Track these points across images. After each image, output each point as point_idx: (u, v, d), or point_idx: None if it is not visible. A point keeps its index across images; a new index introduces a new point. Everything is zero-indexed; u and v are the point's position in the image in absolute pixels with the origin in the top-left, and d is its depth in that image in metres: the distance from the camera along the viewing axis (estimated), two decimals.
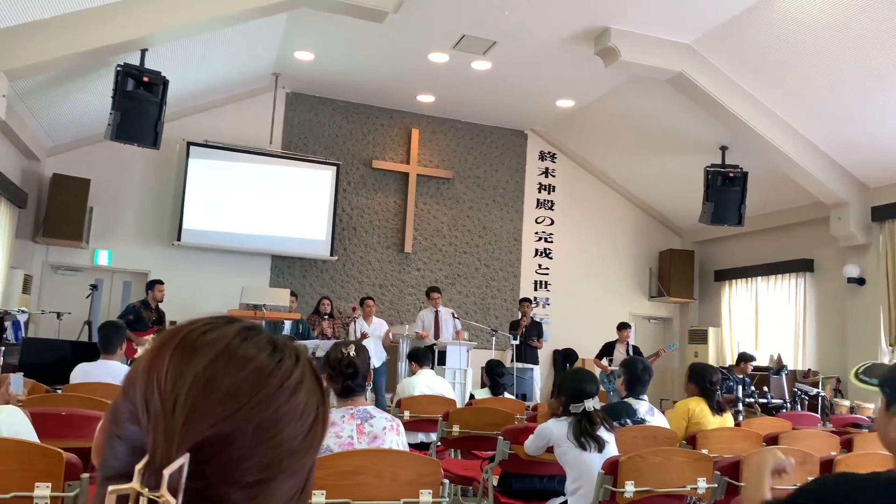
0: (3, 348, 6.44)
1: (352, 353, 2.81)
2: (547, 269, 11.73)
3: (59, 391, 4.36)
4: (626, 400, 4.15)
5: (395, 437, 2.77)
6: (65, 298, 9.02)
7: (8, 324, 6.78)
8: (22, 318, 7.17)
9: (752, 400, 7.60)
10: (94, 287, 8.62)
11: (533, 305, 9.63)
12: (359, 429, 2.70)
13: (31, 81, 6.96)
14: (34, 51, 6.13)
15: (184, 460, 0.56)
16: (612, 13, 7.33)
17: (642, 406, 4.08)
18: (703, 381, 4.40)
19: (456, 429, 4.69)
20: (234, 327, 0.66)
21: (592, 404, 3.37)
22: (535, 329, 9.32)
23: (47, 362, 6.28)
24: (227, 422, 0.59)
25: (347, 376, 2.78)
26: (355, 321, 8.47)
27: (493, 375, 5.86)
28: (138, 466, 0.56)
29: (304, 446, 0.64)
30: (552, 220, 11.84)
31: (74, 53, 6.28)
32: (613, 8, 7.21)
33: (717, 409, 4.36)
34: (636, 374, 4.12)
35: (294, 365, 0.66)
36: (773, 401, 7.82)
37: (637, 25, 7.52)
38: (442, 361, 8.02)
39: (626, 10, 7.21)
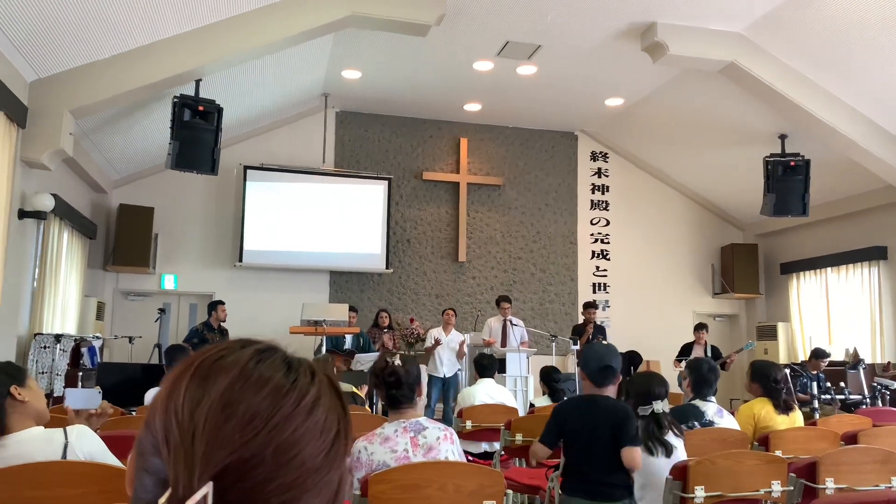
0: (80, 373, 6.73)
1: (396, 361, 2.85)
2: (605, 270, 11.56)
3: (134, 413, 4.53)
4: (693, 402, 4.04)
5: (449, 445, 2.77)
6: (135, 323, 9.38)
7: (84, 350, 7.09)
8: (97, 344, 7.48)
9: (828, 397, 7.30)
10: (161, 311, 8.94)
11: (598, 310, 9.44)
12: (413, 441, 2.72)
13: (95, 118, 7.28)
14: (96, 89, 6.42)
15: (207, 489, 0.57)
16: (657, 7, 7.21)
17: (710, 408, 3.97)
18: (768, 379, 4.24)
19: (519, 437, 4.66)
20: (248, 350, 0.67)
21: (661, 406, 3.30)
22: (600, 332, 9.18)
23: (121, 385, 6.54)
24: (246, 447, 0.59)
25: (390, 385, 2.81)
26: (430, 330, 8.58)
27: (550, 382, 5.80)
28: (161, 500, 0.57)
29: (328, 462, 0.64)
30: (608, 220, 11.67)
31: (133, 89, 6.53)
32: (658, 2, 7.09)
33: (784, 408, 4.19)
34: (701, 375, 4.01)
35: (310, 383, 0.66)
36: (851, 397, 7.49)
37: (684, 18, 7.37)
38: (502, 369, 7.99)
39: (672, 3, 7.08)
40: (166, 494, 0.57)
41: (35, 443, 2.33)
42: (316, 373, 0.68)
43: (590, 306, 9.34)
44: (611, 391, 3.31)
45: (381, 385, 2.85)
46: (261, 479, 0.60)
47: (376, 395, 7.84)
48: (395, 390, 2.82)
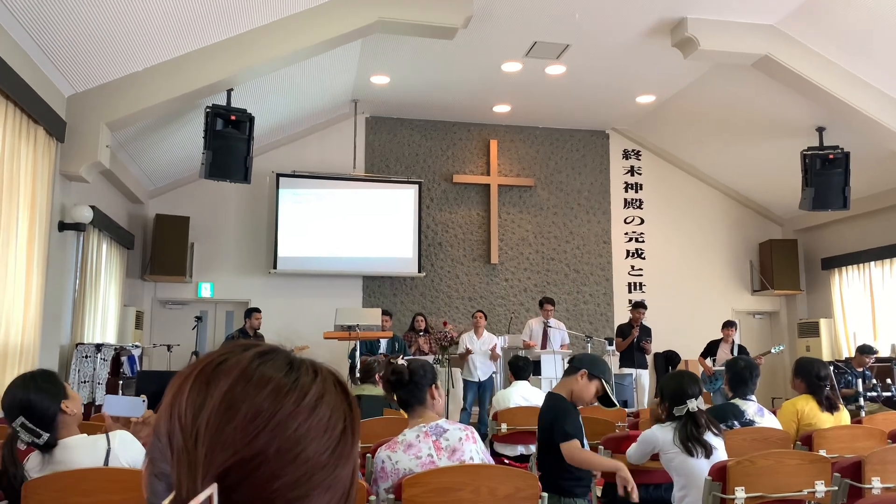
0: (121, 382, 6.86)
1: (400, 361, 2.89)
2: (640, 269, 11.41)
3: None
4: (732, 401, 3.96)
5: (472, 445, 2.76)
6: (173, 331, 9.54)
7: (124, 359, 7.23)
8: (136, 353, 7.62)
9: (874, 394, 7.09)
10: (198, 319, 9.08)
11: (645, 311, 9.22)
12: (436, 445, 2.70)
13: (130, 130, 7.44)
14: (131, 102, 6.56)
15: (211, 490, 0.57)
16: (687, 2, 7.10)
17: (750, 407, 3.88)
18: (811, 375, 4.13)
19: None
20: (250, 353, 0.67)
21: (696, 405, 3.25)
22: (645, 333, 9.03)
23: (160, 393, 6.62)
24: (249, 447, 0.60)
25: (394, 385, 2.84)
26: (462, 335, 8.53)
27: None
28: (165, 503, 0.57)
29: (335, 459, 0.64)
30: (642, 219, 11.53)
31: (167, 100, 6.66)
32: None
33: (828, 406, 4.07)
34: (738, 373, 3.93)
35: (312, 381, 0.66)
36: None
37: (714, 12, 7.25)
38: (537, 371, 7.93)
39: None
40: (169, 497, 0.58)
41: (81, 449, 2.38)
42: (319, 371, 0.68)
43: (639, 306, 9.11)
44: (564, 386, 3.43)
45: (387, 387, 2.90)
46: (265, 478, 0.60)
47: None
48: (399, 390, 2.84)
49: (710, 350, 8.82)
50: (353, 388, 5.26)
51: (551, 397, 3.49)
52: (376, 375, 5.35)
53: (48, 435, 2.33)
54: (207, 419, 0.61)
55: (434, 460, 2.67)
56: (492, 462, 2.88)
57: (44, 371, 2.50)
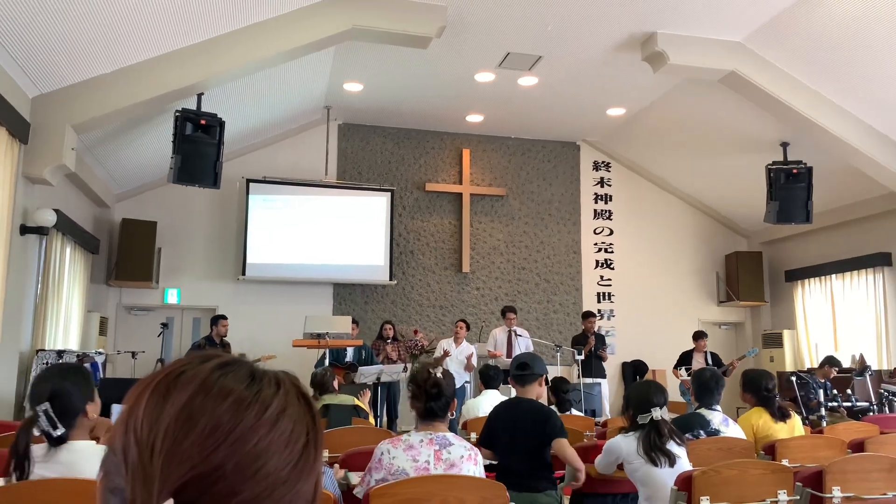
0: None
1: (439, 373, 2.80)
2: (609, 280, 11.53)
3: None
4: (698, 411, 4.01)
5: (472, 466, 2.73)
6: (138, 338, 9.36)
7: (87, 366, 7.07)
8: (100, 360, 7.46)
9: (835, 404, 7.24)
10: (164, 325, 8.93)
11: (598, 319, 9.41)
12: (436, 455, 2.68)
13: (98, 133, 7.31)
14: (98, 104, 6.45)
15: None
16: (657, 18, 7.22)
17: (716, 417, 3.94)
18: (759, 389, 4.23)
19: None
20: (210, 364, 0.65)
21: (659, 414, 3.28)
22: (601, 341, 9.15)
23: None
24: (206, 461, 0.58)
25: (431, 397, 2.77)
26: (441, 341, 8.51)
27: (559, 392, 5.76)
28: None
29: (297, 474, 0.63)
30: (611, 230, 11.66)
31: (135, 103, 6.57)
32: (658, 12, 7.10)
33: (780, 415, 4.16)
34: (704, 383, 3.99)
35: (274, 393, 0.64)
36: (858, 404, 7.43)
37: (684, 28, 7.38)
38: (508, 380, 7.93)
39: (671, 13, 7.09)
40: None
41: (89, 458, 2.33)
42: (282, 383, 0.66)
43: (589, 315, 9.32)
44: (533, 391, 3.77)
45: (420, 395, 2.78)
46: (224, 494, 0.58)
47: (380, 406, 7.80)
48: (434, 402, 2.77)
49: (684, 360, 8.94)
50: (329, 397, 5.21)
51: (531, 402, 3.75)
52: (334, 384, 5.31)
53: (63, 431, 2.29)
54: (164, 432, 0.59)
55: (429, 468, 2.65)
56: None
57: (80, 367, 2.50)
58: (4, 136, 5.78)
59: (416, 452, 2.68)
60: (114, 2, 5.58)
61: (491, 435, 3.73)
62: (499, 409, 3.84)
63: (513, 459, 3.58)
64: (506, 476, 3.45)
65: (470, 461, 2.73)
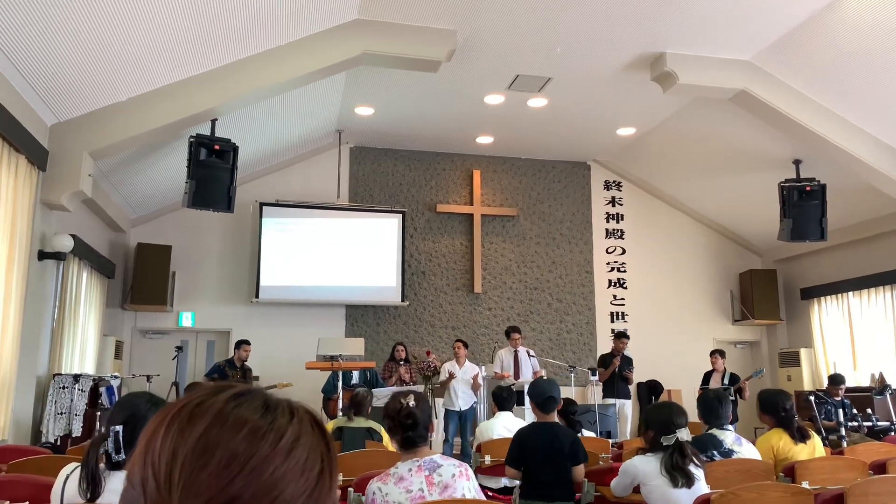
0: (99, 413, 6.74)
1: (410, 403, 2.79)
2: (622, 299, 11.48)
3: None
4: (709, 432, 3.97)
5: (465, 482, 2.72)
6: (153, 361, 9.41)
7: (103, 389, 7.11)
8: (115, 384, 7.50)
9: (855, 424, 7.13)
10: (179, 349, 8.97)
11: (628, 341, 9.25)
12: (428, 480, 2.67)
13: (113, 159, 7.41)
14: (114, 131, 6.55)
15: None
16: (666, 38, 7.26)
17: (728, 436, 3.89)
18: (777, 409, 4.17)
19: None
20: (224, 395, 0.66)
21: (685, 435, 3.25)
22: (627, 362, 9.05)
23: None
24: (224, 492, 0.58)
25: (407, 427, 2.76)
26: (445, 364, 8.43)
27: (567, 414, 5.72)
28: None
29: (313, 501, 0.63)
30: (623, 249, 11.63)
31: (151, 129, 6.66)
32: (666, 33, 7.14)
33: (800, 436, 4.10)
34: (707, 404, 3.96)
35: (289, 422, 0.65)
36: (879, 423, 7.32)
37: (692, 48, 7.41)
38: (521, 401, 7.87)
39: (680, 33, 7.13)
40: None
41: None
42: (296, 412, 0.67)
43: (622, 336, 9.15)
44: (554, 417, 4.17)
45: (397, 428, 2.78)
46: None
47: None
48: (411, 432, 2.77)
49: (706, 380, 8.82)
50: (343, 420, 5.19)
51: (564, 427, 4.19)
52: (367, 408, 5.28)
53: (122, 458, 2.27)
54: (181, 465, 0.59)
55: (424, 495, 2.64)
56: (483, 499, 2.85)
57: (164, 401, 2.46)
58: (24, 164, 5.88)
59: (408, 483, 2.66)
60: (129, 32, 5.69)
61: (523, 456, 3.96)
62: (529, 432, 4.07)
63: (546, 476, 3.88)
64: (537, 488, 3.85)
65: (462, 477, 2.72)
